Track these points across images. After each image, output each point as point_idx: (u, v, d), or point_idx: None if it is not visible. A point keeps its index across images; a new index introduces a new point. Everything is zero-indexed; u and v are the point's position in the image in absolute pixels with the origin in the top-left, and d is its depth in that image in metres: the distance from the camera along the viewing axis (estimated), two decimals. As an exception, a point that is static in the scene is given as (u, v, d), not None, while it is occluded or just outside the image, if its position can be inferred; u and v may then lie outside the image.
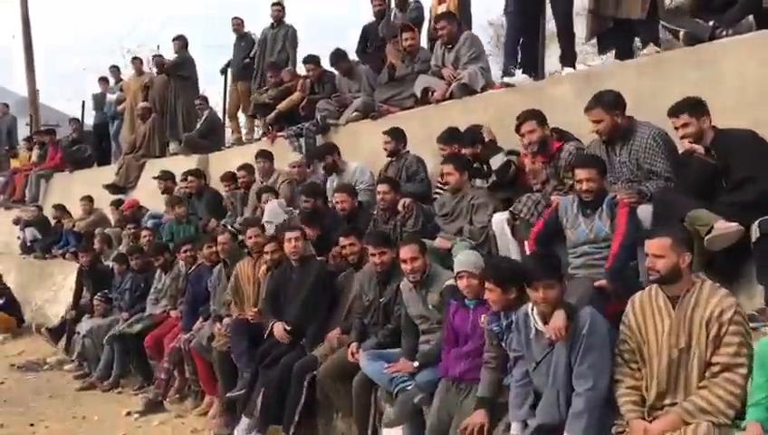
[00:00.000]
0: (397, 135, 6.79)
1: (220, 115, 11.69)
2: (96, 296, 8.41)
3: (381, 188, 6.00)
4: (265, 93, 9.43)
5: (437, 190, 6.39)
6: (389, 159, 6.84)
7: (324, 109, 8.44)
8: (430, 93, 7.16)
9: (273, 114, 9.20)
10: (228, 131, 11.87)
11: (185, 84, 11.83)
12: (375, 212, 6.22)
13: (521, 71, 6.46)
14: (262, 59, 10.27)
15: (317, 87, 8.78)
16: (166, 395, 6.93)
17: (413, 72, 7.56)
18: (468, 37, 7.06)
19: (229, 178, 9.07)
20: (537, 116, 5.10)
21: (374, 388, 4.76)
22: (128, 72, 13.70)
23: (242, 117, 10.94)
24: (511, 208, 5.10)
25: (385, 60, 8.02)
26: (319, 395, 5.12)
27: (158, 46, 13.30)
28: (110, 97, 13.40)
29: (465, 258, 4.44)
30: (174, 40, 11.75)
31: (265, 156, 8.38)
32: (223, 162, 10.37)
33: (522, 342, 3.84)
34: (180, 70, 11.73)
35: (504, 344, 4.02)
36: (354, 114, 8.12)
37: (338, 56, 8.45)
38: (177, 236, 8.51)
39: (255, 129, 10.65)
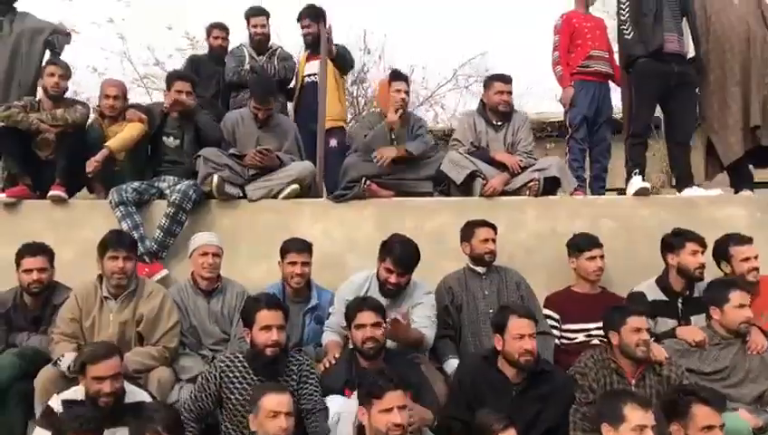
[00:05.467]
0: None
1: None
2: None
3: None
4: (28, 109, 4.81)
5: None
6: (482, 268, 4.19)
7: (216, 163, 4.79)
8: (483, 183, 4.76)
9: (101, 159, 4.72)
10: None
11: None
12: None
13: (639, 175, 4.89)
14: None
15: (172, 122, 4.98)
16: None
17: (412, 138, 4.99)
18: (526, 118, 5.08)
19: None
20: None
21: None
22: None
23: None
24: None
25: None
26: None
27: None
28: None
29: None
30: None
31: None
32: None
33: None
34: None
35: None
36: (291, 189, 4.82)
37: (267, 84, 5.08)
38: None
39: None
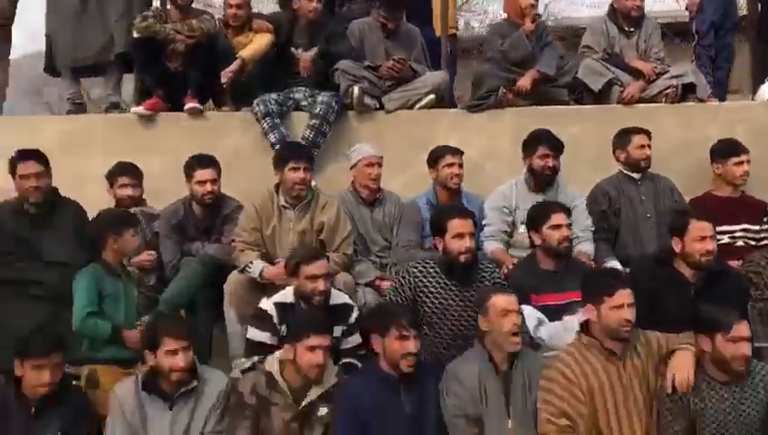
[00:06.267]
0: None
1: None
2: None
3: None
4: (159, 20, 4.80)
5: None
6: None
7: (354, 75, 4.81)
8: (620, 90, 4.81)
9: (236, 70, 4.78)
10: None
11: None
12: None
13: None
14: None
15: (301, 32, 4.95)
16: None
17: (540, 48, 4.98)
18: (657, 24, 5.08)
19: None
20: None
21: None
22: None
23: None
24: None
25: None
26: None
27: None
28: None
29: None
30: None
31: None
32: None
33: None
34: None
35: None
36: (428, 99, 4.87)
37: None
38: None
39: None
